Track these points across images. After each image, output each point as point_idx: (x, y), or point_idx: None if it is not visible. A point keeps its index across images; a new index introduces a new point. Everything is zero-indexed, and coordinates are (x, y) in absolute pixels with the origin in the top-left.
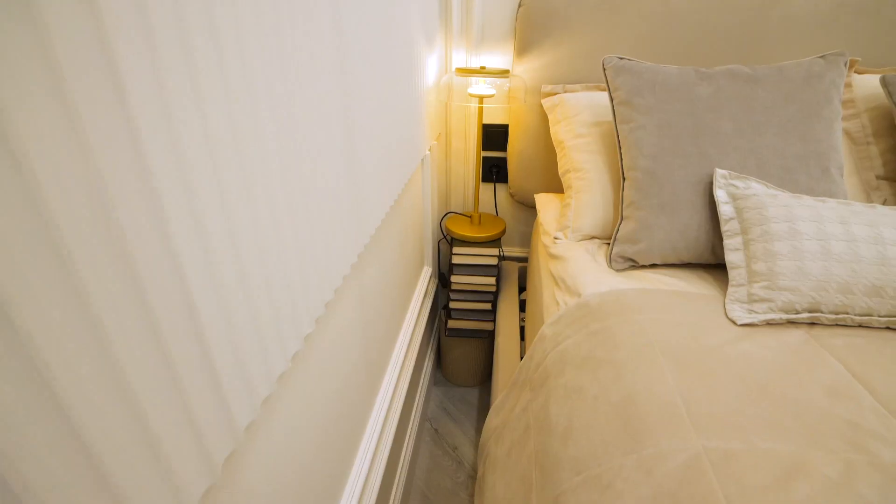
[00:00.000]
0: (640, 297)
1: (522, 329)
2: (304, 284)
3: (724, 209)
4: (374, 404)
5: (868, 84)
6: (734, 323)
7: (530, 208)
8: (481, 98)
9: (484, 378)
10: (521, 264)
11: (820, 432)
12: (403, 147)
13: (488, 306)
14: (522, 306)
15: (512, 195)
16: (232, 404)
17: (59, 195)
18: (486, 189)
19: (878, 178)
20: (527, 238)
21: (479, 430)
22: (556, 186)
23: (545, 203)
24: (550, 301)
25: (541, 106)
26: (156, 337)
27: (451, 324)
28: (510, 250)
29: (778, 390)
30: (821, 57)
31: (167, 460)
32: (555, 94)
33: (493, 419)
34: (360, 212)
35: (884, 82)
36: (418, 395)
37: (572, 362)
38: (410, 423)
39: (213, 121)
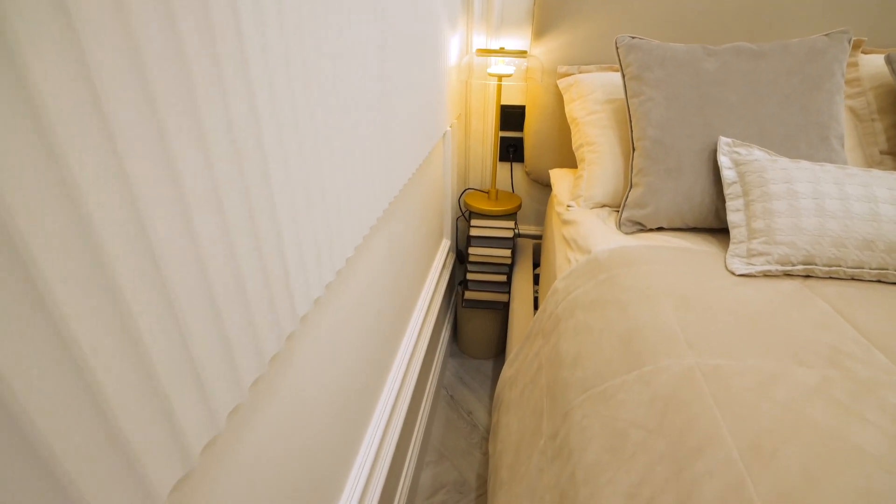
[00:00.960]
0: (646, 252)
1: (536, 301)
2: (348, 213)
3: (727, 174)
4: (394, 358)
5: (874, 63)
6: (733, 273)
7: (545, 187)
8: (500, 77)
9: (498, 351)
10: (535, 241)
11: (803, 353)
12: (428, 116)
13: (504, 278)
14: (536, 280)
15: (528, 173)
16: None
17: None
18: (503, 168)
19: (881, 153)
20: (541, 216)
21: (493, 396)
22: (570, 164)
23: (559, 177)
24: (563, 261)
25: (556, 87)
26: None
27: (468, 295)
28: (525, 228)
29: (768, 322)
30: (825, 35)
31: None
32: (570, 74)
33: (507, 371)
34: (391, 165)
35: (888, 60)
36: (435, 360)
37: (581, 306)
38: (428, 385)
39: (294, 71)
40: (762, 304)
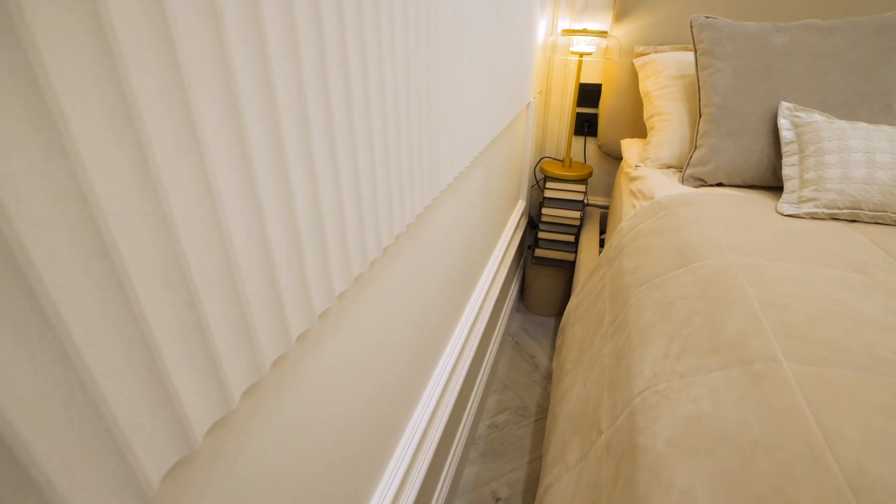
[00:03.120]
0: (704, 196)
1: None
2: (471, 134)
3: (786, 134)
4: (473, 290)
5: None
6: (781, 214)
7: (615, 160)
8: (581, 55)
9: (561, 310)
10: (602, 210)
11: (831, 261)
12: (518, 81)
13: (572, 238)
14: (601, 244)
15: (600, 146)
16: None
17: None
18: (577, 142)
19: None
20: (609, 188)
21: (555, 345)
22: (640, 137)
23: (629, 145)
24: (629, 208)
25: (632, 65)
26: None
27: (538, 252)
28: (594, 199)
29: (804, 242)
30: None
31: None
32: (646, 53)
33: (572, 301)
34: (493, 112)
35: None
36: (504, 308)
37: (643, 234)
38: (497, 326)
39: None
40: (802, 231)
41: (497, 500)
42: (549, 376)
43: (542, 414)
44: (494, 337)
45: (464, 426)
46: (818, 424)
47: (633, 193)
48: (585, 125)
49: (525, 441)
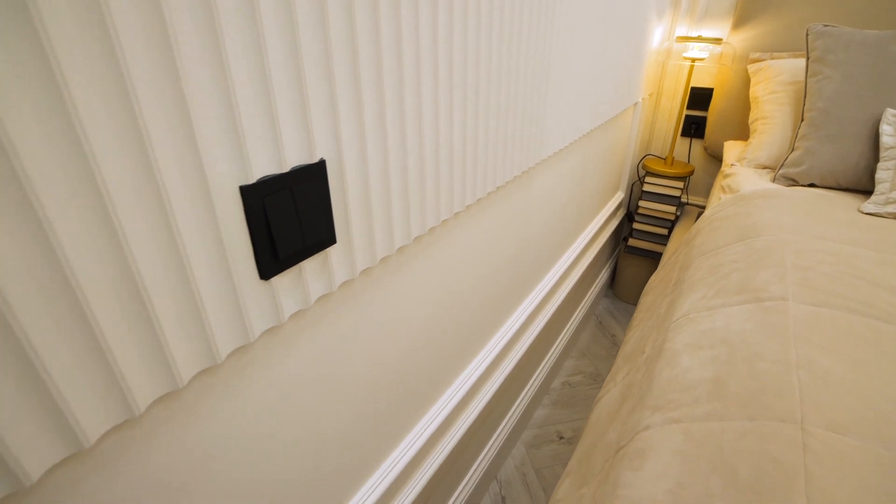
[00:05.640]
0: (787, 191)
1: None
2: (571, 121)
3: (886, 140)
4: (562, 255)
5: None
6: (861, 212)
7: (720, 161)
8: (693, 60)
9: None
10: (700, 210)
11: (882, 247)
12: (624, 82)
13: (665, 232)
14: None
15: (705, 148)
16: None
17: None
18: (683, 143)
19: None
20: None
21: None
22: (745, 139)
23: (731, 146)
24: (715, 201)
25: (745, 71)
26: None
27: (632, 242)
28: (694, 199)
29: (867, 232)
30: None
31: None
32: (762, 60)
33: (652, 277)
34: (594, 108)
35: None
36: (592, 288)
37: (718, 219)
38: (583, 302)
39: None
40: (872, 225)
41: (560, 437)
42: None
43: None
44: (579, 309)
45: (540, 371)
46: (794, 334)
47: (722, 188)
48: (693, 127)
49: (593, 400)
